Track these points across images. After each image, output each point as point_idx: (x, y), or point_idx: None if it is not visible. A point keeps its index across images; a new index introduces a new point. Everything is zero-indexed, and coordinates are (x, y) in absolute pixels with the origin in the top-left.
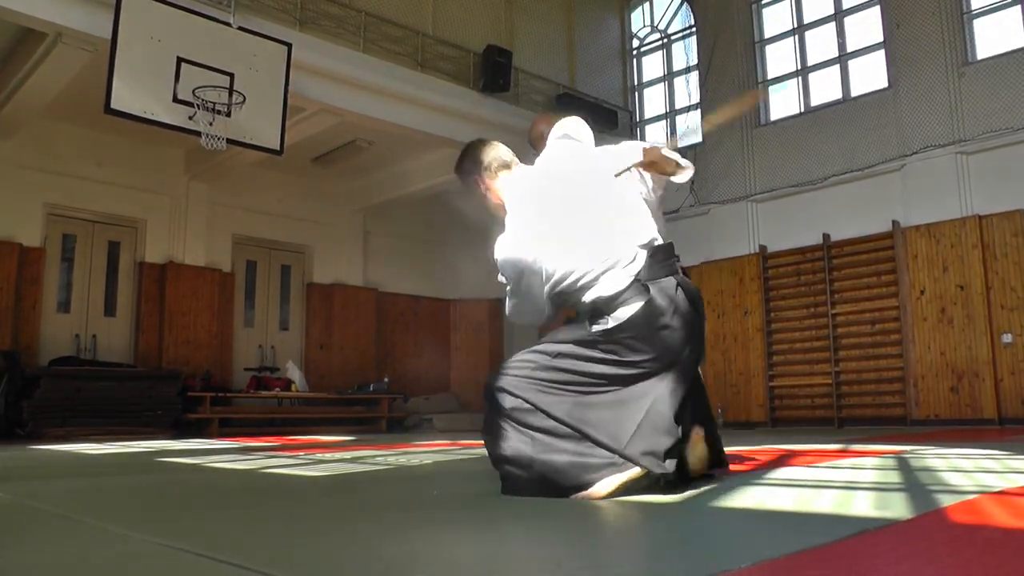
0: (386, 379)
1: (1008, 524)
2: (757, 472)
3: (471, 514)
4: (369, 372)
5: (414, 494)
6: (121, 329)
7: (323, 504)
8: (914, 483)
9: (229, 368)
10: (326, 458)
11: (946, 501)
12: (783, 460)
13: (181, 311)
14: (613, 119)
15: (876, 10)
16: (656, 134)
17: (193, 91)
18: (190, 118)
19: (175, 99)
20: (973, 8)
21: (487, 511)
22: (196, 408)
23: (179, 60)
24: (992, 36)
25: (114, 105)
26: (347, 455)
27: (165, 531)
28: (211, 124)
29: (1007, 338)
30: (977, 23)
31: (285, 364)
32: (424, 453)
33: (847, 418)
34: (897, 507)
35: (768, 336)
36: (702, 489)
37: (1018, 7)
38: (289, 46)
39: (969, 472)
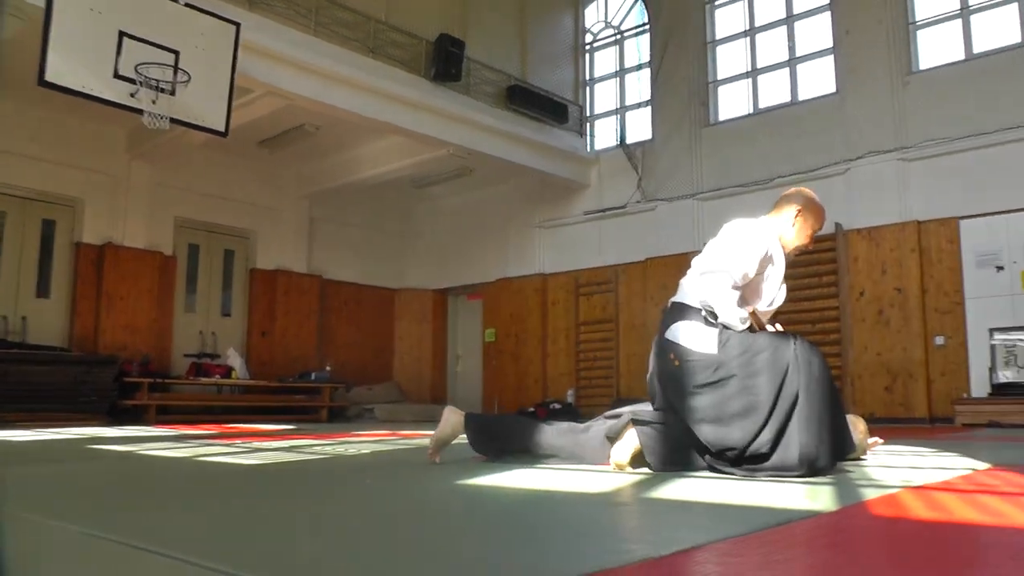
0: (328, 368)
1: (924, 517)
2: None
3: (400, 505)
4: (311, 360)
5: (347, 483)
6: (55, 311)
7: (251, 493)
8: (842, 477)
9: (168, 354)
10: (263, 447)
11: (870, 495)
12: None
13: (120, 294)
14: (563, 113)
15: (827, 16)
16: (606, 129)
17: (136, 67)
18: (132, 95)
19: (116, 75)
20: (918, 19)
21: (414, 501)
22: (133, 394)
23: (121, 34)
24: (935, 47)
25: (49, 77)
26: (285, 444)
27: (89, 520)
28: (154, 102)
29: (940, 340)
30: (921, 34)
31: (226, 351)
32: (363, 443)
33: None
34: (823, 500)
35: None
36: (633, 480)
37: (959, 21)
38: (238, 25)
39: (896, 468)
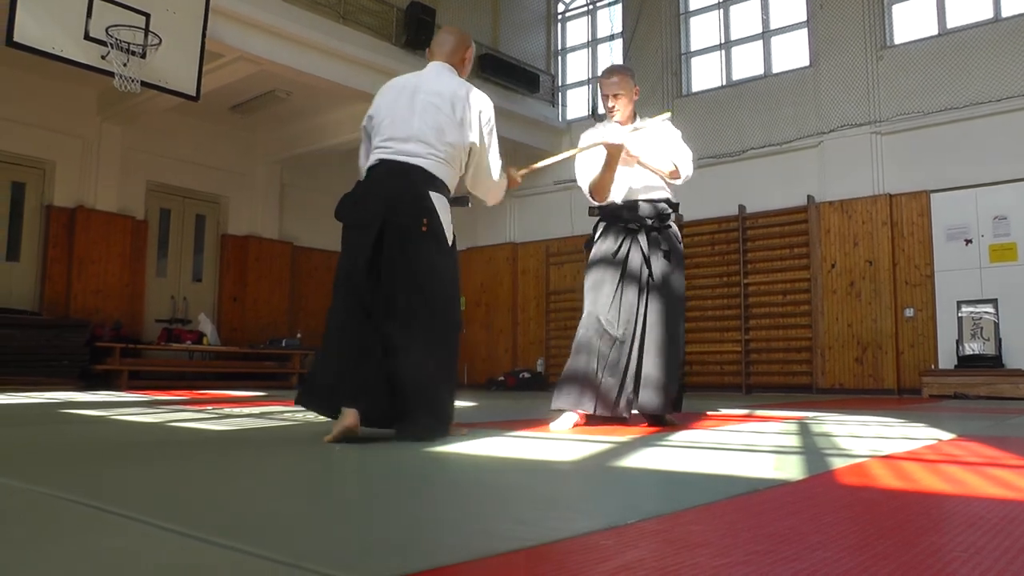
0: (299, 335)
1: (890, 485)
2: (660, 434)
3: (365, 471)
4: (282, 327)
5: (313, 449)
6: (25, 274)
7: (221, 457)
8: (811, 447)
9: (140, 319)
10: (234, 413)
11: (837, 464)
12: (687, 424)
13: (91, 258)
14: (535, 82)
15: None
16: (578, 99)
17: (106, 29)
18: (103, 57)
19: (87, 36)
20: None
21: (380, 468)
22: (105, 359)
23: None
24: (909, 22)
25: (18, 38)
26: (255, 410)
27: (56, 483)
28: (125, 65)
29: (909, 312)
30: (896, 8)
31: (197, 316)
32: None
33: (755, 385)
34: (791, 469)
35: None
36: (597, 449)
37: None
38: None
39: (864, 438)
